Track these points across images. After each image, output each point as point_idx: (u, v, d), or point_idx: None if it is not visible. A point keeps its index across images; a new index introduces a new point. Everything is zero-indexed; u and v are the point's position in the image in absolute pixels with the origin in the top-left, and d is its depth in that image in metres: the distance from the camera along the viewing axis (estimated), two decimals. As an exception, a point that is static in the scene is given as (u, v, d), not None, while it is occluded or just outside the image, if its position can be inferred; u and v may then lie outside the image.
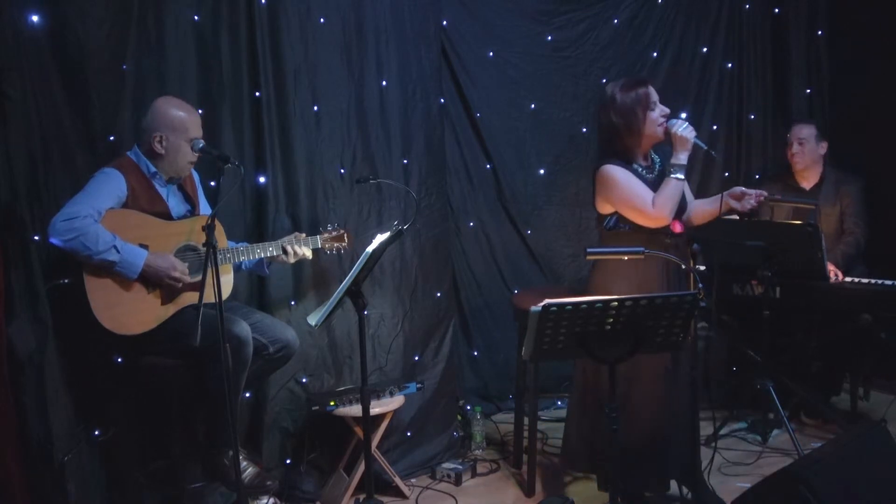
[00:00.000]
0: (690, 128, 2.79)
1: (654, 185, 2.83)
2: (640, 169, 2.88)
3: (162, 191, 2.86)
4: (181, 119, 2.81)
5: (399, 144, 3.55)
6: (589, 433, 2.96)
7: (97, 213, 2.62)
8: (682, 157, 2.78)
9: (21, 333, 2.63)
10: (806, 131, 4.11)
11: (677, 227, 2.83)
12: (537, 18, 4.34)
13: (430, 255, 3.64)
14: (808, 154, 4.10)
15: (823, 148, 4.13)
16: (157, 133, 2.79)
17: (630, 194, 2.80)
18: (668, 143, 2.87)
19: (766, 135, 4.79)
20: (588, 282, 3.00)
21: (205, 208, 3.03)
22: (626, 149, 2.87)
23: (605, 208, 2.90)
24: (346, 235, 3.14)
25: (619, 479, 2.58)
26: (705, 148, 2.82)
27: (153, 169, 2.83)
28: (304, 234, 3.06)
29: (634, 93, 2.83)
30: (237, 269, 3.07)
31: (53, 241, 2.57)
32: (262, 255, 2.97)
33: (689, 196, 3.03)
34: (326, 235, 3.12)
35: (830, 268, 3.71)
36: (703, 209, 2.97)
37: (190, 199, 2.98)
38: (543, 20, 4.35)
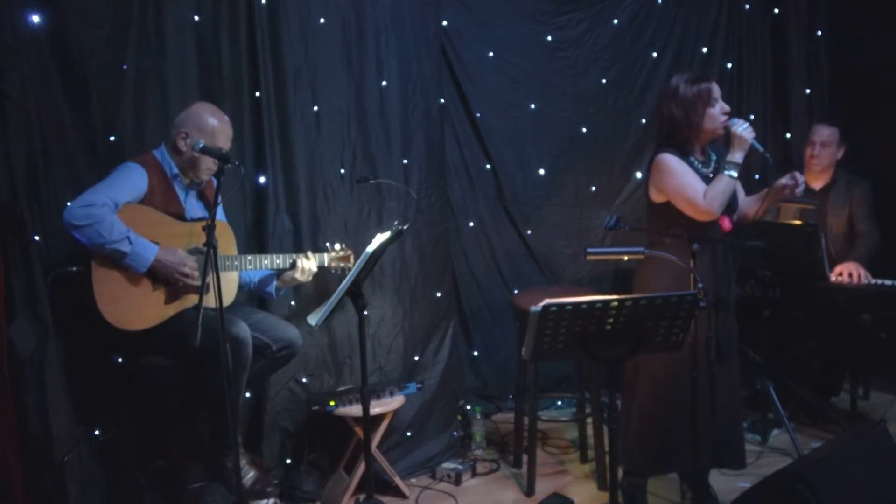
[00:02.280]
0: (750, 129, 2.81)
1: (709, 181, 2.85)
2: (696, 162, 2.90)
3: (181, 193, 2.88)
4: (211, 125, 2.84)
5: (399, 144, 3.55)
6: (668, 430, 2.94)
7: (114, 205, 2.64)
8: (737, 156, 2.81)
9: (21, 333, 2.63)
10: (828, 134, 4.05)
11: (727, 225, 2.86)
12: (537, 18, 4.34)
13: (430, 255, 3.64)
14: (827, 157, 4.06)
15: (841, 152, 4.09)
16: (183, 130, 2.82)
17: (683, 183, 2.82)
18: (724, 141, 2.90)
19: (766, 135, 4.78)
20: (633, 278, 3.03)
21: (221, 217, 3.05)
22: (683, 141, 2.89)
23: (657, 197, 2.91)
24: (351, 257, 3.15)
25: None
26: (761, 150, 2.83)
27: (175, 171, 2.86)
28: (311, 253, 3.07)
29: (697, 87, 2.85)
30: (244, 287, 3.08)
31: (70, 227, 2.58)
32: (270, 267, 2.99)
33: (741, 194, 3.05)
34: (333, 254, 3.13)
35: (860, 271, 3.70)
36: (753, 204, 3.02)
37: (210, 206, 2.98)
38: (543, 20, 4.35)
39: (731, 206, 2.91)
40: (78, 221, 2.56)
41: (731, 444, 2.97)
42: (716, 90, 2.87)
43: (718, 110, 2.86)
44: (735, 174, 2.80)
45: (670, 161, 2.85)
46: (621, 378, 3.01)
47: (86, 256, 2.65)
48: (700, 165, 2.90)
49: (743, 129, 2.80)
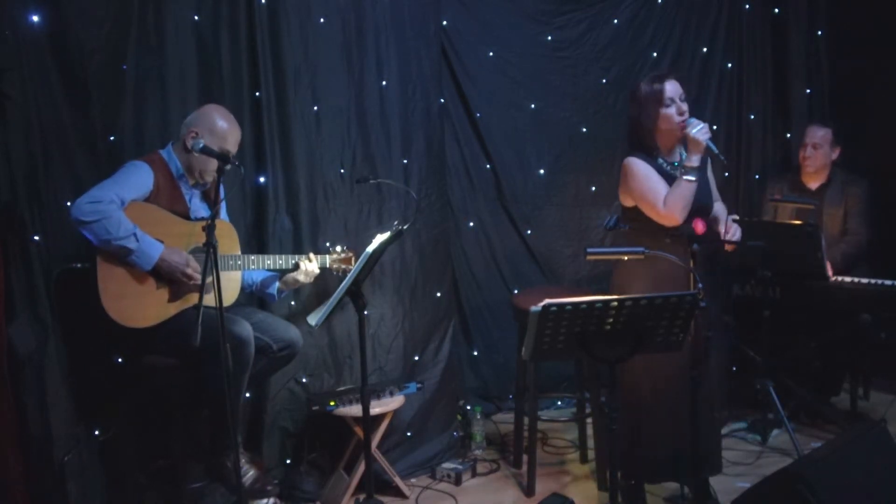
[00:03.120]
0: (706, 130, 2.79)
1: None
2: (664, 164, 2.89)
3: (186, 193, 2.89)
4: (222, 128, 2.86)
5: (399, 144, 3.54)
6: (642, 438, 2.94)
7: (121, 202, 2.65)
8: (694, 160, 2.79)
9: (21, 333, 2.63)
10: (821, 135, 4.05)
11: (700, 227, 2.84)
12: (537, 18, 4.34)
13: (430, 255, 3.64)
14: (820, 158, 4.07)
15: (836, 153, 4.09)
16: (194, 129, 2.82)
17: (645, 189, 2.82)
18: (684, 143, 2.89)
19: (766, 135, 4.79)
20: (610, 281, 3.03)
21: (224, 216, 3.06)
22: (645, 143, 2.90)
23: (627, 201, 2.93)
24: (353, 259, 3.14)
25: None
26: (716, 152, 2.82)
27: (181, 171, 2.86)
28: (312, 255, 3.07)
29: (651, 87, 2.86)
30: (246, 289, 3.09)
31: (77, 223, 2.58)
32: (272, 267, 2.99)
33: (716, 194, 3.05)
34: (335, 256, 3.13)
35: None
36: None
37: (213, 207, 2.99)
38: (543, 20, 4.35)
39: (705, 207, 2.89)
40: (85, 217, 2.57)
41: (707, 449, 2.92)
42: (670, 90, 2.85)
43: (674, 111, 2.84)
44: (692, 178, 2.76)
45: (635, 165, 2.85)
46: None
47: (90, 255, 2.65)
48: (668, 167, 2.88)
49: (696, 130, 2.77)
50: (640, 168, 2.84)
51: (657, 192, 2.79)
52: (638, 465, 2.92)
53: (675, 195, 2.76)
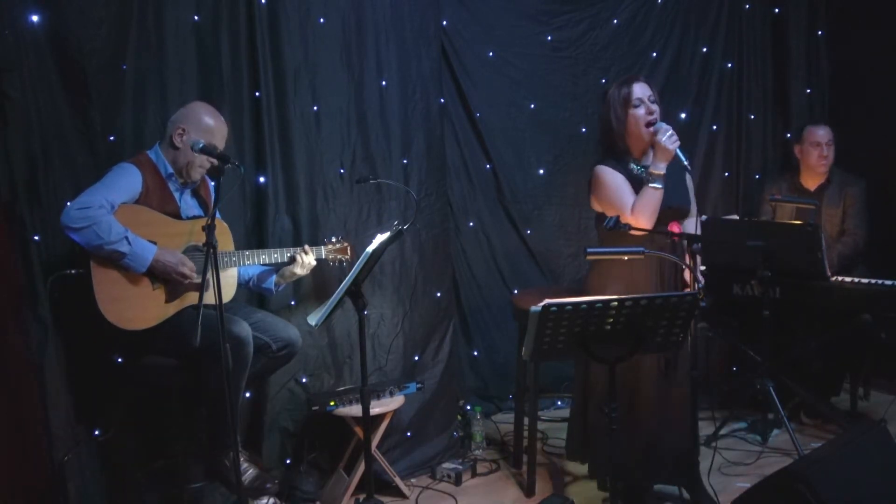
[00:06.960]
0: (675, 138, 2.77)
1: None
2: (636, 169, 2.89)
3: (175, 193, 2.88)
4: (208, 124, 2.86)
5: (399, 144, 3.55)
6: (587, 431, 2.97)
7: (111, 206, 2.64)
8: (660, 167, 2.78)
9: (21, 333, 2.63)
10: (830, 133, 4.09)
11: (675, 228, 2.84)
12: (537, 18, 4.34)
13: (430, 255, 3.64)
14: (832, 156, 4.10)
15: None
16: (180, 126, 2.82)
17: (612, 197, 2.85)
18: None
19: (766, 135, 4.79)
20: (584, 283, 3.02)
21: (217, 213, 3.04)
22: (616, 147, 2.90)
23: (595, 206, 2.96)
24: (349, 248, 3.15)
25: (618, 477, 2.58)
26: (685, 163, 2.80)
27: (170, 170, 2.86)
28: (307, 247, 3.07)
29: (619, 90, 2.88)
30: (244, 285, 3.08)
31: (67, 229, 2.58)
32: (268, 262, 2.99)
33: (692, 198, 3.03)
34: (331, 247, 3.13)
35: None
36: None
37: (204, 205, 2.99)
38: (543, 20, 4.35)
39: (680, 210, 2.89)
40: (75, 224, 2.56)
41: (682, 461, 2.86)
42: (638, 91, 2.85)
43: (643, 111, 2.84)
44: (658, 185, 2.76)
45: (603, 173, 2.87)
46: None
47: (85, 258, 2.65)
48: (640, 172, 2.87)
49: (666, 137, 2.76)
50: (607, 176, 2.86)
51: (623, 201, 2.81)
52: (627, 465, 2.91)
53: (640, 203, 2.77)
